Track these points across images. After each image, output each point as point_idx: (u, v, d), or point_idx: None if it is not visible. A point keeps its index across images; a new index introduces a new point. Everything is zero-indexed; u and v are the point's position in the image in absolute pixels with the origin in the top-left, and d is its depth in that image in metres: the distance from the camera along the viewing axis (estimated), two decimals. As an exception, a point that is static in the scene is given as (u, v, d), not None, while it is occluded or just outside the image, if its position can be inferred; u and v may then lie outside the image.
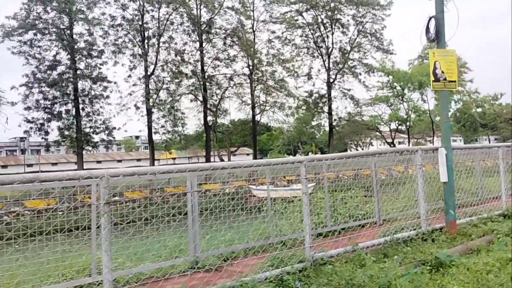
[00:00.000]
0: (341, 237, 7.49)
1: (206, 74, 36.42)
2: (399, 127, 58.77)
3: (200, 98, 36.84)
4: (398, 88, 54.93)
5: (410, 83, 53.73)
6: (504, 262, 5.50)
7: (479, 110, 67.79)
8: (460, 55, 60.59)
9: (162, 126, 34.53)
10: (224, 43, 37.26)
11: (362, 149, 65.33)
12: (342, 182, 10.31)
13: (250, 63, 38.79)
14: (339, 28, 44.41)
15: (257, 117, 44.50)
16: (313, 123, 55.85)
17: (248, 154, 67.44)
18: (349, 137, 60.49)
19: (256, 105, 41.07)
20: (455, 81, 7.75)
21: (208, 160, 36.47)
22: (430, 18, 7.87)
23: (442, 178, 7.43)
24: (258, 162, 6.00)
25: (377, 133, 59.61)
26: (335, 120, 47.44)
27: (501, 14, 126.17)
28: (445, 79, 7.65)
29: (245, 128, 46.49)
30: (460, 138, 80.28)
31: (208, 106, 38.16)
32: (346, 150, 59.05)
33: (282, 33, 42.13)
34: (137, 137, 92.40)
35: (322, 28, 44.33)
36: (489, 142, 67.35)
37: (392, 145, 56.30)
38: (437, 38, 7.76)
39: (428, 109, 57.94)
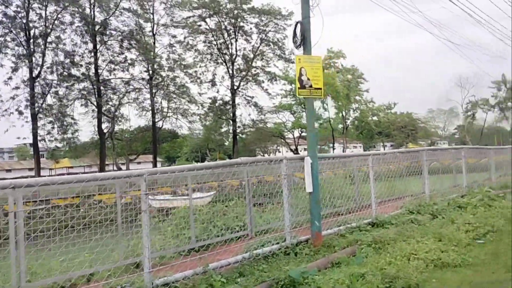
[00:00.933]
0: (207, 253, 6.95)
1: (101, 78, 34.36)
2: (303, 134, 60.59)
3: (94, 103, 34.65)
4: (323, 97, 56.68)
5: (311, 92, 55.58)
6: (354, 279, 5.24)
7: (375, 118, 72.19)
8: (356, 66, 64.13)
9: (49, 133, 31.82)
10: (121, 46, 35.47)
11: (269, 155, 66.32)
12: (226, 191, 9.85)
13: (150, 68, 37.35)
14: (242, 36, 44.59)
15: (160, 124, 43.21)
16: (222, 130, 55.65)
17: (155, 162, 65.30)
18: (254, 144, 61.04)
19: (157, 111, 39.65)
20: (321, 89, 7.55)
21: (102, 169, 34.32)
22: (297, 23, 7.63)
23: (308, 188, 7.16)
24: (79, 178, 5.14)
25: (282, 140, 60.95)
26: (239, 127, 47.51)
27: (393, 30, 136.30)
28: (311, 86, 7.42)
29: (146, 135, 44.75)
30: (360, 145, 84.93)
31: (105, 112, 36.08)
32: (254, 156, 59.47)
33: (185, 38, 41.32)
34: (31, 145, 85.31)
35: (225, 35, 44.20)
36: (384, 149, 71.80)
37: (296, 152, 57.74)
38: (303, 43, 7.52)
39: (328, 117, 60.55)
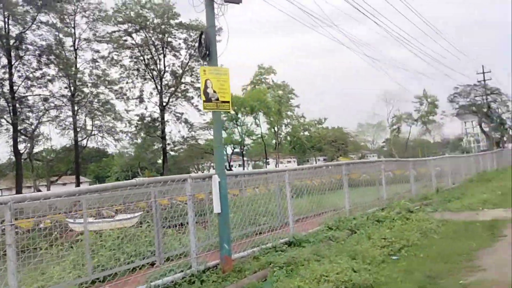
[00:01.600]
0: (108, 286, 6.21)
1: (16, 95, 32.00)
2: (235, 150, 60.33)
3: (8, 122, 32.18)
4: (232, 112, 56.48)
5: (243, 108, 55.68)
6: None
7: (306, 133, 73.65)
8: (287, 82, 65.23)
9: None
10: (39, 61, 33.35)
11: (203, 172, 65.25)
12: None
13: (71, 84, 35.41)
14: (170, 51, 43.70)
15: (84, 142, 41.05)
16: (154, 147, 54.03)
17: (82, 183, 62.11)
18: (186, 162, 59.91)
19: (80, 129, 37.59)
20: (228, 102, 7.08)
21: (19, 192, 31.74)
22: (202, 33, 7.16)
23: (215, 209, 6.60)
24: None
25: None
26: (169, 144, 46.29)
27: (323, 50, 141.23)
28: (217, 99, 6.92)
29: (70, 155, 42.26)
30: (294, 159, 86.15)
31: (21, 131, 33.62)
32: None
33: (109, 53, 39.67)
34: None
35: (153, 50, 43.10)
36: (315, 162, 73.22)
37: (229, 169, 57.27)
38: (208, 54, 7.05)
39: (261, 132, 60.75)
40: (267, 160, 70.43)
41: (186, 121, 45.90)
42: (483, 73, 47.54)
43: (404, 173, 17.44)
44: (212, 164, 67.71)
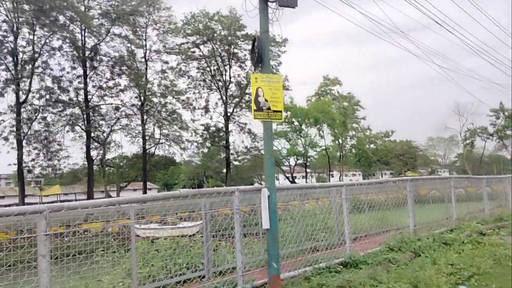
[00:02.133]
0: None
1: (90, 104, 33.80)
2: (298, 161, 59.72)
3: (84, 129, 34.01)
4: (296, 123, 56.12)
5: (307, 119, 55.14)
6: None
7: (372, 146, 71.50)
8: (353, 93, 63.86)
9: (33, 160, 31.01)
10: (112, 72, 35.08)
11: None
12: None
13: (141, 94, 36.86)
14: (236, 62, 44.32)
15: (152, 150, 42.53)
16: (220, 157, 54.98)
17: (150, 189, 64.51)
18: (249, 172, 60.12)
19: (148, 138, 38.97)
20: (280, 111, 6.72)
21: (90, 197, 33.38)
22: (255, 38, 6.89)
23: (264, 225, 6.25)
24: None
25: (280, 168, 59.99)
26: (232, 154, 46.76)
27: (391, 60, 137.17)
28: (269, 108, 6.60)
29: (139, 162, 43.93)
30: (359, 172, 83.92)
31: (94, 138, 35.44)
32: (251, 184, 58.39)
33: (177, 64, 40.98)
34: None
35: (219, 61, 43.94)
36: (382, 177, 70.75)
37: (292, 181, 56.72)
38: (261, 60, 6.76)
39: (325, 144, 59.73)
40: (331, 173, 69.17)
41: (249, 132, 46.21)
42: None
43: (477, 191, 16.16)
44: (275, 175, 67.75)
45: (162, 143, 42.08)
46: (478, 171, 64.94)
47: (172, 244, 8.66)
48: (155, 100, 38.95)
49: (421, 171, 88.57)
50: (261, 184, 58.61)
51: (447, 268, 6.91)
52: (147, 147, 40.81)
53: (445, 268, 6.90)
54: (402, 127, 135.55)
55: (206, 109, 43.88)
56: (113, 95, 35.51)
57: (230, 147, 45.11)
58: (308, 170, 76.73)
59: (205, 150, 48.24)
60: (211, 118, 44.09)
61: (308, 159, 63.73)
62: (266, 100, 6.60)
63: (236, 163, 52.80)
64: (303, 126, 56.42)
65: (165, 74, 39.40)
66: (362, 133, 67.43)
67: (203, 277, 7.54)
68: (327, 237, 8.59)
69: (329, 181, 57.86)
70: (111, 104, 35.86)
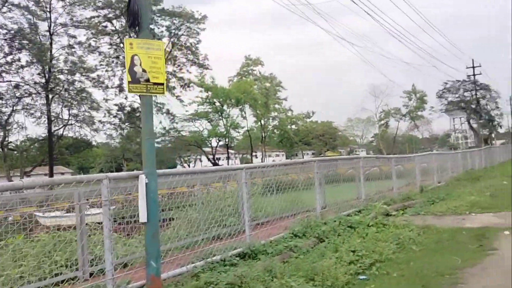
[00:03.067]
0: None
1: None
2: (221, 143, 58.86)
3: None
4: (218, 104, 55.09)
5: (228, 100, 54.30)
6: None
7: (294, 127, 72.41)
8: (275, 75, 63.84)
9: None
10: (10, 46, 31.61)
11: (189, 166, 63.76)
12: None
13: (45, 71, 33.70)
14: (152, 39, 42.02)
15: (60, 132, 39.46)
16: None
17: (63, 173, 60.56)
18: (171, 154, 58.28)
19: (55, 119, 35.96)
20: (162, 84, 5.72)
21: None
22: (131, -2, 5.78)
23: (141, 217, 5.28)
24: None
25: (201, 150, 58.79)
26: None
27: (314, 44, 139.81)
28: (148, 80, 5.58)
29: (45, 144, 40.59)
30: (282, 153, 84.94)
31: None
32: (174, 167, 56.62)
33: (87, 39, 37.93)
34: None
35: (134, 37, 41.36)
36: (303, 157, 72.08)
37: (214, 163, 55.67)
38: (137, 23, 5.70)
39: (247, 125, 59.36)
40: (255, 154, 69.18)
41: (168, 112, 44.42)
42: (473, 67, 46.58)
43: (389, 170, 16.35)
44: (199, 157, 66.33)
45: (71, 125, 39.19)
46: (392, 150, 68.33)
47: (53, 238, 7.52)
48: (61, 77, 35.90)
49: (341, 150, 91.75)
50: (183, 167, 57.31)
51: (349, 255, 6.39)
52: (55, 128, 37.79)
53: (346, 255, 6.39)
54: (323, 108, 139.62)
55: (121, 88, 41.35)
56: (13, 72, 32.13)
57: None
58: (232, 151, 76.44)
59: (123, 132, 45.89)
60: (126, 98, 41.68)
61: (231, 140, 63.24)
62: (144, 71, 5.56)
63: (157, 145, 50.89)
64: (225, 107, 55.56)
65: (73, 50, 36.32)
66: (284, 114, 67.83)
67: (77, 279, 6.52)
68: (231, 223, 7.85)
69: (252, 162, 57.55)
70: (10, 81, 32.46)
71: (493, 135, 60.61)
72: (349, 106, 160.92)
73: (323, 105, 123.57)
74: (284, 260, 6.62)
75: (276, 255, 6.84)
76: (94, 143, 55.82)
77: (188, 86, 44.91)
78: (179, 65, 43.81)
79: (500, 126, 60.95)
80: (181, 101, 44.21)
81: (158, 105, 43.19)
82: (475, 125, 55.12)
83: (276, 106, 65.81)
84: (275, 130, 70.25)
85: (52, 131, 36.14)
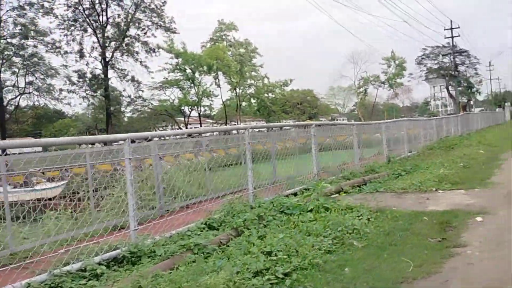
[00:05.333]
0: None
1: None
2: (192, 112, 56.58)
3: None
4: (189, 71, 52.48)
5: (200, 66, 51.74)
6: None
7: (271, 95, 70.07)
8: (250, 40, 61.08)
9: None
10: None
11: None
12: None
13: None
14: (113, 0, 39.01)
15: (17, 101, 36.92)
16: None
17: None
18: (145, 123, 55.71)
19: (4, 86, 33.26)
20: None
21: None
22: None
23: None
24: None
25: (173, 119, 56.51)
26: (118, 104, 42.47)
27: (292, 11, 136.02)
28: None
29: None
30: (263, 122, 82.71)
31: None
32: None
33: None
34: None
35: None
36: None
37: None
38: None
39: (221, 94, 57.06)
40: (232, 123, 66.96)
41: (132, 79, 41.79)
42: (451, 28, 44.65)
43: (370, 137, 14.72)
44: (173, 126, 63.88)
45: (29, 93, 36.58)
46: (371, 118, 66.93)
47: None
48: (13, 41, 33.04)
49: (322, 119, 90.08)
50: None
51: (259, 260, 4.55)
52: (10, 97, 35.24)
53: (255, 261, 4.54)
54: (304, 76, 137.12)
55: (81, 54, 38.58)
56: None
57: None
58: (210, 120, 74.29)
59: (94, 101, 43.48)
60: (87, 64, 38.93)
61: (208, 110, 61.12)
62: None
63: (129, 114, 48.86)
64: (197, 74, 53.04)
65: (23, 11, 33.27)
66: (261, 82, 65.38)
67: None
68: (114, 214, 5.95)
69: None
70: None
71: (471, 102, 59.58)
72: (329, 74, 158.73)
73: (303, 73, 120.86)
74: (173, 266, 4.77)
75: (166, 259, 4.99)
76: (67, 113, 53.37)
77: (154, 52, 42.21)
78: (143, 29, 40.93)
79: (479, 93, 59.94)
80: (146, 67, 41.51)
81: (122, 71, 40.66)
82: (454, 92, 53.76)
83: (253, 73, 63.32)
84: (252, 99, 67.99)
85: (4, 99, 33.50)
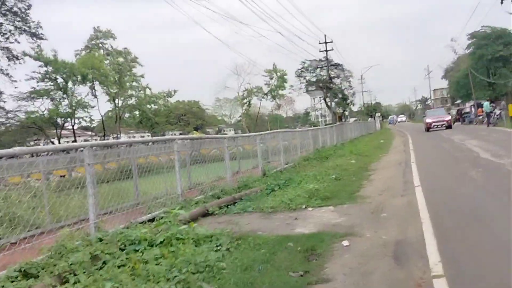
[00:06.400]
0: None
1: None
2: (66, 124, 52.01)
3: None
4: (61, 80, 48.22)
5: (73, 75, 47.86)
6: None
7: (154, 106, 67.66)
8: (130, 49, 58.37)
9: None
10: None
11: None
12: None
13: None
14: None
15: None
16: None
17: None
18: (6, 137, 49.69)
19: None
20: None
21: None
22: None
23: None
24: None
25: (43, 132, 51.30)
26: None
27: (178, 24, 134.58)
28: None
29: None
30: (148, 134, 79.41)
31: None
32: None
33: None
34: None
35: None
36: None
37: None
38: None
39: (98, 106, 53.40)
40: (119, 135, 63.08)
41: (-9, 90, 37.06)
42: (326, 42, 47.27)
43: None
44: (46, 140, 58.03)
45: None
46: (255, 129, 67.94)
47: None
48: None
49: (209, 130, 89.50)
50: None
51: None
52: None
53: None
54: (189, 88, 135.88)
55: None
56: None
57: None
58: (89, 133, 69.30)
59: None
60: None
61: (78, 121, 56.55)
62: None
63: None
64: (70, 84, 48.91)
65: None
66: (143, 93, 62.69)
67: None
68: None
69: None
70: None
71: (346, 113, 63.41)
72: (214, 85, 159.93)
73: (187, 85, 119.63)
74: None
75: None
76: None
77: (18, 59, 37.95)
78: (4, 33, 36.55)
79: (353, 104, 64.01)
80: (8, 75, 37.08)
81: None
82: (331, 103, 56.67)
83: (134, 83, 60.45)
84: (133, 110, 64.91)
85: None
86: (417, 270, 4.39)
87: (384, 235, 5.72)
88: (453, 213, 6.47)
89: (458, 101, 73.40)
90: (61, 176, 10.77)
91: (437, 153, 16.85)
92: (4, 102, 38.87)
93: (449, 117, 36.21)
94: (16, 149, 5.22)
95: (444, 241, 5.20)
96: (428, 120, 34.84)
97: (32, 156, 8.63)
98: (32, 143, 55.59)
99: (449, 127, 33.50)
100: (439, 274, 4.20)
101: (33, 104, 47.59)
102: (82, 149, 6.50)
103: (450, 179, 9.83)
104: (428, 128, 33.96)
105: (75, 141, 52.91)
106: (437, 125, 33.89)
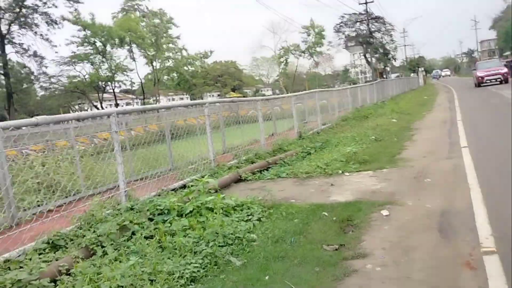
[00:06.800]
0: None
1: None
2: (107, 88, 52.92)
3: None
4: (99, 44, 48.68)
5: (111, 39, 48.15)
6: None
7: (191, 67, 67.57)
8: (165, 10, 57.90)
9: None
10: None
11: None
12: None
13: None
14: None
15: None
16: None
17: None
18: (60, 101, 51.22)
19: None
20: None
21: None
22: None
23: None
24: None
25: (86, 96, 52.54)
26: (14, 82, 38.30)
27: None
28: None
29: None
30: (187, 96, 79.90)
31: None
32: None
33: None
34: None
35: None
36: (207, 98, 68.23)
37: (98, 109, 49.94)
38: None
39: (136, 68, 53.85)
40: (159, 97, 63.81)
41: (35, 55, 37.83)
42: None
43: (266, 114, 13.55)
44: (88, 105, 59.52)
45: None
46: (292, 88, 66.96)
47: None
48: None
49: (246, 90, 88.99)
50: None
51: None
52: None
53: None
54: (224, 48, 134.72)
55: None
56: None
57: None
58: (131, 96, 70.53)
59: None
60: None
61: (118, 85, 57.47)
62: None
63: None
64: (108, 47, 49.34)
65: None
66: (179, 54, 62.52)
67: None
68: None
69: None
70: None
71: (388, 69, 61.18)
72: (250, 45, 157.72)
73: (223, 45, 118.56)
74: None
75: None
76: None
77: (57, 24, 38.34)
78: (42, -2, 36.78)
79: (395, 59, 61.59)
80: (49, 41, 37.65)
81: (22, 46, 36.59)
82: (371, 59, 54.69)
83: (170, 45, 60.27)
84: (171, 73, 65.10)
85: None
86: (466, 245, 3.97)
87: (428, 204, 5.28)
88: (505, 179, 5.90)
89: (507, 53, 69.14)
90: (104, 140, 10.77)
91: (485, 110, 15.83)
92: (46, 67, 39.67)
93: (505, 70, 30.28)
94: (39, 118, 5.07)
95: (495, 211, 4.73)
96: (480, 74, 30.12)
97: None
98: (76, 106, 57.27)
99: (505, 81, 28.73)
100: (490, 250, 3.77)
101: (74, 68, 48.48)
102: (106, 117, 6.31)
103: (501, 139, 9.09)
104: (480, 83, 29.77)
105: (116, 104, 54.00)
106: (491, 79, 29.33)
